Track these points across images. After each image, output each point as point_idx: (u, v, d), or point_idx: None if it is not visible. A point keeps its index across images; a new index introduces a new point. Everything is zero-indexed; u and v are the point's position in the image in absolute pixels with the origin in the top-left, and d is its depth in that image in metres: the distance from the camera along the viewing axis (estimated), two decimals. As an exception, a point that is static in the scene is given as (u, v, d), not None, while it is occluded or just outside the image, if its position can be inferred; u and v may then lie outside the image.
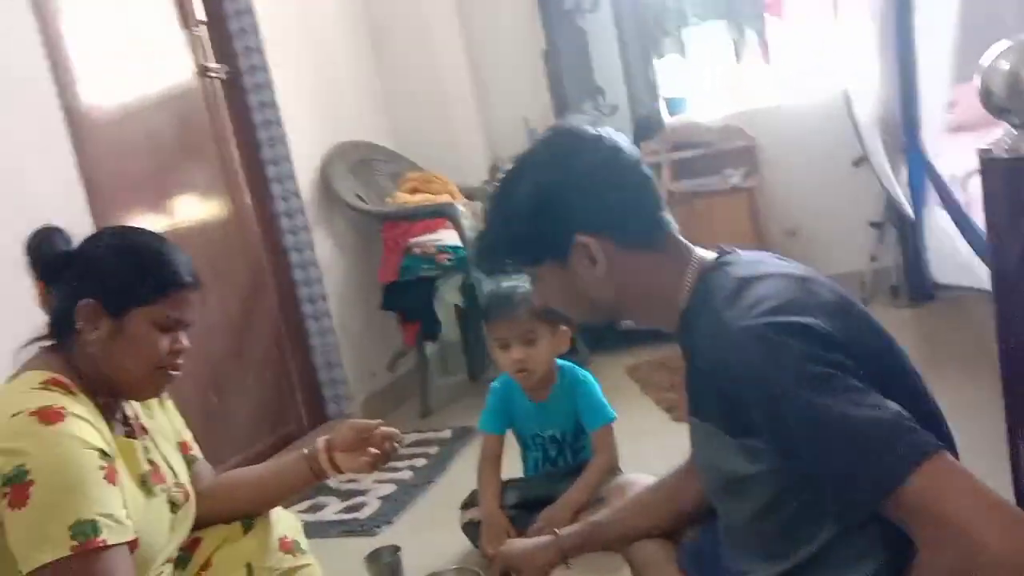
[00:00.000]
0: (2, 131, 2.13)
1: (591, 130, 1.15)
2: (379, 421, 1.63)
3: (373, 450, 1.57)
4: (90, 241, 1.39)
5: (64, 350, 1.35)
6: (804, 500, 1.02)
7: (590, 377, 2.07)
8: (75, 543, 1.16)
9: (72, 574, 1.17)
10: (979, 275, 1.44)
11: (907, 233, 3.35)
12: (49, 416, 1.21)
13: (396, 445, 1.60)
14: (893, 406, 0.90)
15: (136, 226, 1.45)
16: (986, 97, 0.92)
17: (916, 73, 1.76)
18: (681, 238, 1.19)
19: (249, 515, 1.59)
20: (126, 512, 1.26)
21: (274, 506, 1.63)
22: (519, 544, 1.60)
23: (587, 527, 1.57)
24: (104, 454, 1.25)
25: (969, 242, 1.45)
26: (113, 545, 1.20)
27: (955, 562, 0.82)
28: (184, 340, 1.39)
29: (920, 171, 1.77)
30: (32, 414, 1.20)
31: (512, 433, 2.12)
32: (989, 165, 0.91)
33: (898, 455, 0.86)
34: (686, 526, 1.47)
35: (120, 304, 1.32)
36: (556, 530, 1.57)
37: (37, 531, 1.16)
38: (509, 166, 1.21)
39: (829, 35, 3.44)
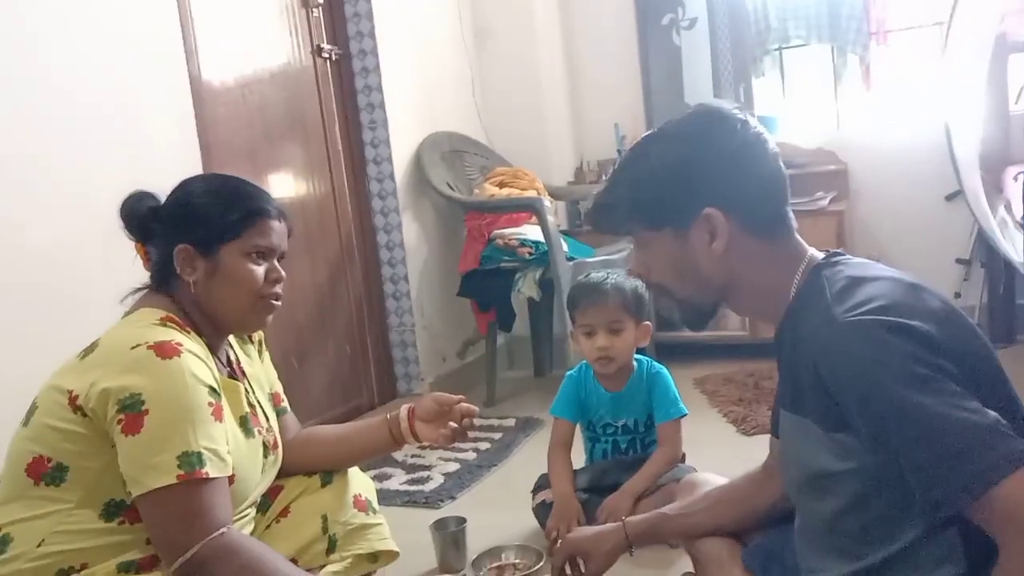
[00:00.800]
0: (134, 92, 2.29)
1: (739, 113, 1.17)
2: (460, 397, 1.69)
3: (452, 424, 1.63)
4: (173, 193, 1.47)
5: (172, 293, 1.43)
6: (888, 501, 1.04)
7: (666, 371, 2.11)
8: (181, 472, 1.24)
9: (175, 500, 1.24)
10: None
11: (995, 272, 3.29)
12: (167, 350, 1.29)
13: (472, 423, 1.65)
14: (992, 413, 0.91)
15: (214, 172, 1.52)
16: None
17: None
18: (799, 238, 1.20)
19: (327, 469, 1.66)
20: (227, 449, 1.34)
21: (352, 464, 1.70)
22: (586, 530, 1.64)
23: (654, 517, 1.58)
24: (213, 391, 1.33)
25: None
26: (215, 478, 1.27)
27: None
28: (280, 269, 1.46)
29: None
30: (151, 347, 1.28)
31: (579, 427, 2.14)
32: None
33: (994, 458, 0.88)
34: (753, 529, 1.49)
35: (211, 242, 1.39)
36: (623, 518, 1.61)
37: (148, 458, 1.24)
38: (650, 131, 1.22)
39: (934, 66, 3.39)
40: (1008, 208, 2.69)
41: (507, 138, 3.78)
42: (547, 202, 3.22)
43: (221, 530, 1.26)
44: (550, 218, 3.11)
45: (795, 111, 3.81)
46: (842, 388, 1.00)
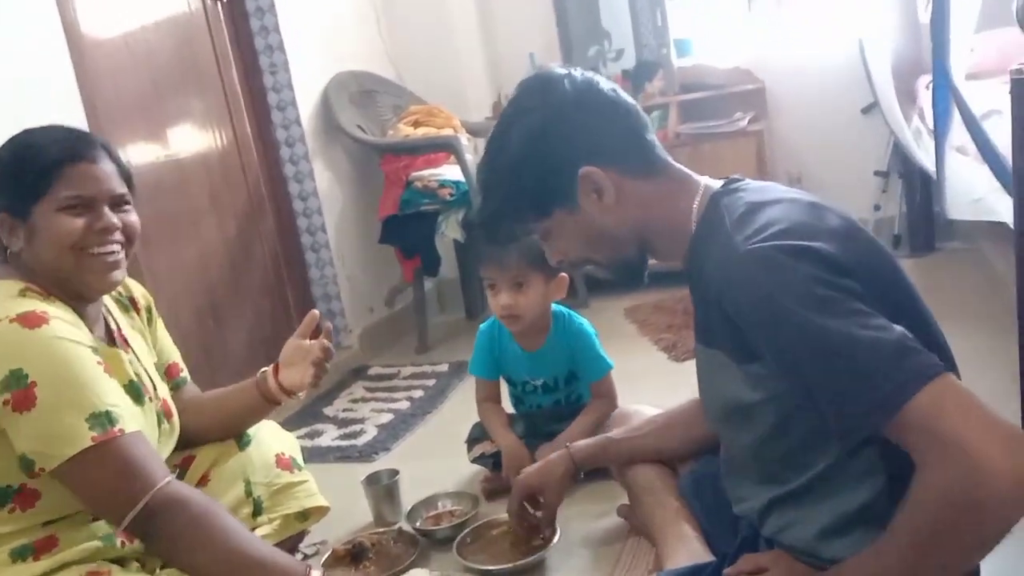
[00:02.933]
0: (2, 49, 2.09)
1: (558, 69, 1.16)
2: (312, 313, 1.61)
3: (313, 356, 1.55)
4: None
5: (18, 265, 1.33)
6: (805, 427, 1.03)
7: (586, 326, 1.99)
8: (95, 434, 1.17)
9: (98, 463, 1.18)
10: (996, 209, 1.43)
11: (912, 183, 3.33)
12: (32, 320, 1.20)
13: (330, 347, 1.58)
14: (898, 329, 0.89)
15: (25, 129, 1.36)
16: (1022, 15, 0.90)
17: (949, 6, 1.73)
18: (685, 169, 1.18)
19: (219, 436, 1.59)
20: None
21: (240, 429, 1.62)
22: (531, 468, 1.64)
23: (599, 440, 1.61)
24: (95, 350, 1.25)
25: (993, 170, 1.44)
26: (131, 432, 1.21)
27: (955, 481, 0.82)
28: (110, 216, 1.31)
29: (946, 102, 1.75)
30: (13, 320, 1.19)
31: (503, 377, 2.07)
32: (1020, 86, 0.89)
33: (903, 375, 0.86)
34: (691, 456, 1.48)
35: (18, 206, 1.28)
36: (568, 444, 1.60)
37: (53, 429, 1.17)
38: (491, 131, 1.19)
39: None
40: (921, 117, 2.70)
41: (419, 75, 3.65)
42: (464, 140, 3.12)
43: (166, 479, 1.21)
44: (468, 156, 3.02)
45: (710, 32, 3.76)
46: (748, 318, 0.98)
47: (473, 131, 3.44)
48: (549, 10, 3.76)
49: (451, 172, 3.12)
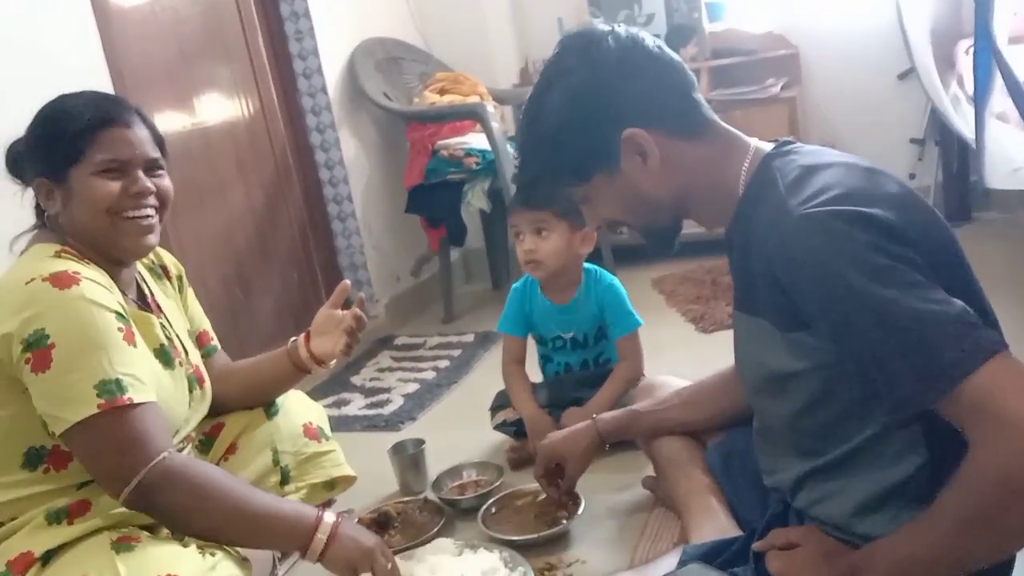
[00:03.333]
0: (29, 15, 2.08)
1: (602, 26, 1.10)
2: (344, 284, 1.63)
3: (345, 327, 1.56)
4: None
5: (58, 231, 1.34)
6: (847, 399, 1.00)
7: (616, 282, 2.01)
8: (102, 401, 1.17)
9: (104, 430, 1.18)
10: (1037, 178, 1.39)
11: (949, 150, 3.25)
12: (64, 280, 1.21)
13: (362, 316, 1.58)
14: (958, 303, 0.86)
15: (63, 94, 1.37)
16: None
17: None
18: (734, 129, 1.13)
19: (248, 404, 1.60)
20: (147, 375, 1.27)
21: (270, 397, 1.63)
22: (557, 434, 1.63)
23: (625, 413, 1.59)
24: (120, 316, 1.25)
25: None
26: (142, 403, 1.21)
27: (1008, 460, 0.80)
28: (144, 180, 1.32)
29: (988, 66, 1.69)
30: (46, 280, 1.20)
31: (532, 337, 2.08)
32: (1070, 47, 0.84)
33: (964, 350, 0.83)
34: (718, 429, 1.46)
35: (57, 171, 1.29)
36: (593, 415, 1.59)
37: (63, 392, 1.18)
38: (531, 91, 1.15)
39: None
40: (960, 83, 2.63)
41: (445, 42, 3.60)
42: (491, 108, 3.08)
43: (162, 455, 1.21)
44: (495, 124, 2.98)
45: (743, -4, 3.67)
46: (800, 285, 0.94)
47: (500, 99, 3.40)
48: (577, -28, 3.69)
49: (477, 140, 3.09)
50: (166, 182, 1.37)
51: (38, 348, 1.17)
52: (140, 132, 1.34)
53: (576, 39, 1.11)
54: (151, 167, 1.35)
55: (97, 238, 1.32)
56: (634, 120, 1.07)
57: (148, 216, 1.34)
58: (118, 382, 1.19)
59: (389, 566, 1.31)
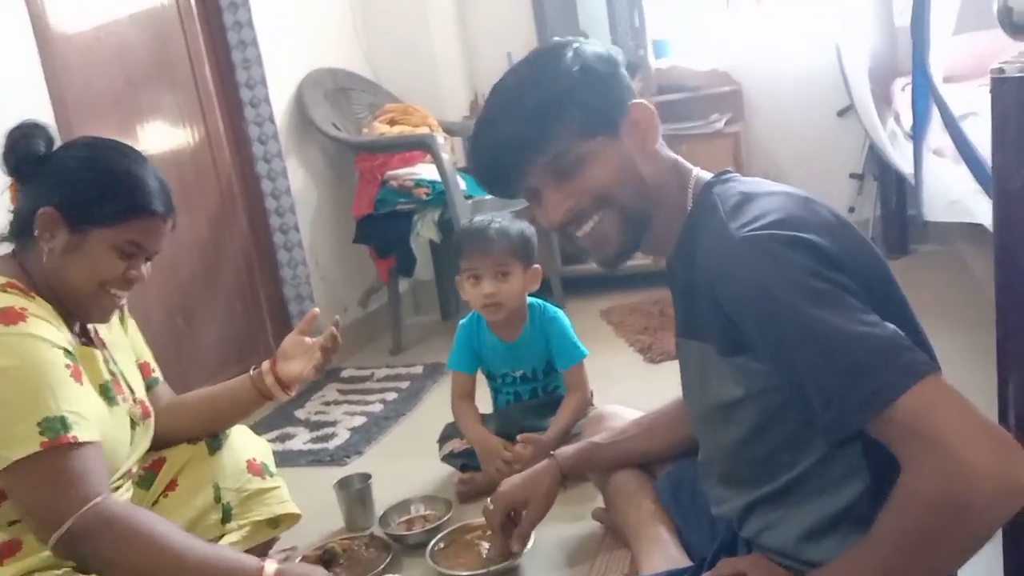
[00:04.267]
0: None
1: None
2: (313, 312, 1.63)
3: (318, 349, 1.57)
4: (66, 148, 1.34)
5: (20, 255, 1.31)
6: (789, 426, 1.02)
7: (560, 315, 2.03)
8: (45, 439, 1.14)
9: (43, 470, 1.15)
10: (973, 211, 1.43)
11: (887, 185, 3.35)
12: (10, 316, 1.18)
13: (336, 335, 1.59)
14: (890, 326, 0.88)
15: (119, 141, 1.38)
16: (1005, 15, 0.89)
17: (929, 6, 1.73)
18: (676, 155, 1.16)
19: (199, 435, 1.57)
20: (92, 414, 1.24)
21: (225, 427, 1.61)
22: (515, 479, 1.56)
23: (585, 447, 1.56)
24: (68, 353, 1.23)
25: (971, 170, 1.44)
26: (85, 442, 1.18)
27: (942, 482, 0.81)
28: (143, 269, 1.34)
29: (925, 102, 1.75)
30: None
31: (481, 372, 2.08)
32: (1001, 85, 0.88)
33: (894, 372, 0.84)
34: (679, 457, 1.46)
35: (81, 219, 1.26)
36: (552, 452, 1.56)
37: (5, 429, 1.14)
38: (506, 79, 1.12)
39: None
40: (897, 119, 2.71)
41: (395, 73, 3.62)
42: (440, 139, 3.09)
43: (95, 500, 1.16)
44: (445, 155, 2.99)
45: (687, 34, 3.76)
46: (740, 305, 0.96)
47: (449, 130, 3.41)
48: (527, 10, 3.74)
49: (427, 171, 3.08)
50: (149, 269, 1.37)
51: None
52: (168, 227, 1.34)
53: (552, 42, 1.13)
54: (151, 256, 1.36)
55: (71, 295, 1.30)
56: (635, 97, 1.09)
57: (124, 297, 1.35)
58: (63, 419, 1.16)
59: None
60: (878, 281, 1.00)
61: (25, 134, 1.30)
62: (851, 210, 3.52)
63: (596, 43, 1.11)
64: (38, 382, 1.16)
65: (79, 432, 1.17)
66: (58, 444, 1.14)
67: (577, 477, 1.60)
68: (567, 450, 1.56)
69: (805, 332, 0.88)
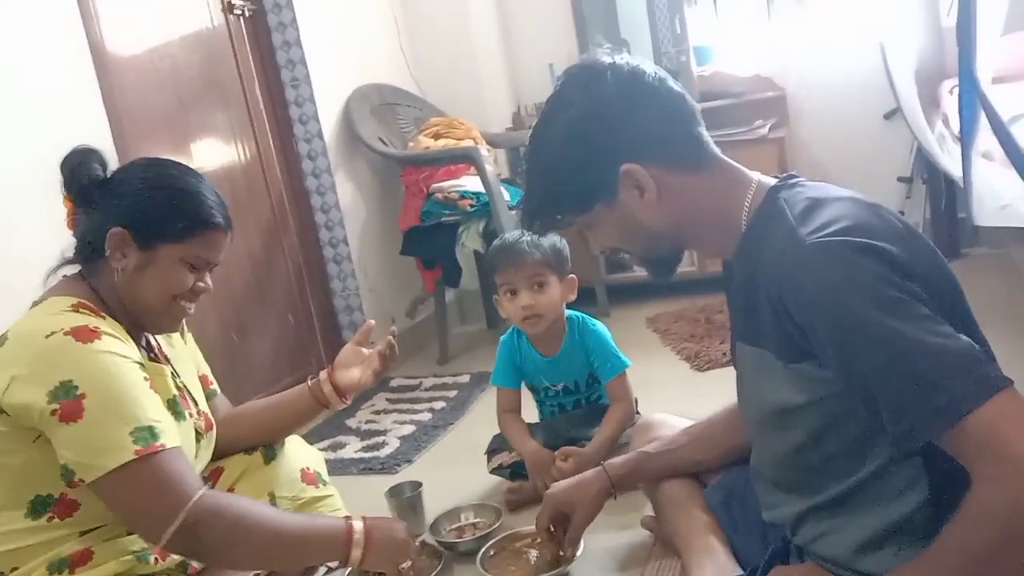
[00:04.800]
0: (32, 67, 2.12)
1: (606, 58, 1.11)
2: (369, 323, 1.73)
3: (379, 351, 1.67)
4: (126, 170, 1.39)
5: (87, 277, 1.36)
6: (849, 435, 1.01)
7: (600, 326, 2.02)
8: (138, 447, 1.20)
9: (140, 476, 1.20)
10: (1023, 214, 1.41)
11: (936, 188, 3.30)
12: (85, 334, 1.23)
13: (393, 344, 1.69)
14: (964, 338, 0.87)
15: (174, 160, 1.44)
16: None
17: (975, 9, 1.71)
18: (737, 164, 1.14)
19: (258, 444, 1.62)
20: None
21: (284, 436, 1.67)
22: (566, 482, 1.58)
23: (635, 457, 1.55)
24: (142, 366, 1.29)
25: (1021, 175, 1.41)
26: (172, 448, 1.24)
27: (1012, 497, 0.80)
28: (208, 280, 1.40)
29: (972, 107, 1.73)
30: (67, 333, 1.22)
31: (525, 385, 2.09)
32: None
33: (969, 385, 0.84)
34: (730, 466, 1.45)
35: (151, 237, 1.32)
36: (602, 462, 1.56)
37: (99, 439, 1.19)
38: (535, 121, 1.17)
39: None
40: (945, 122, 2.67)
41: (440, 87, 3.66)
42: (484, 151, 3.12)
43: (200, 492, 1.24)
44: (488, 167, 3.02)
45: (730, 39, 3.75)
46: (809, 311, 0.94)
47: (493, 142, 3.44)
48: (568, 21, 3.77)
49: (471, 183, 3.12)
50: (211, 280, 1.44)
51: (67, 398, 1.19)
52: (228, 239, 1.40)
53: (578, 72, 1.13)
54: (214, 267, 1.42)
55: (143, 310, 1.36)
56: (632, 154, 1.07)
57: (192, 308, 1.41)
58: (151, 429, 1.22)
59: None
60: (947, 291, 0.98)
61: (82, 160, 1.35)
62: (901, 213, 3.45)
63: (625, 70, 1.09)
64: (123, 394, 1.22)
65: (167, 439, 1.23)
66: (151, 451, 1.20)
67: (629, 487, 1.59)
68: (617, 460, 1.56)
69: (878, 342, 0.88)
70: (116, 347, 1.25)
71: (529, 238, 1.93)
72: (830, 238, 0.94)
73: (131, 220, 1.31)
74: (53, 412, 1.18)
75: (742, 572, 1.27)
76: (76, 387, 1.19)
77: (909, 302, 0.89)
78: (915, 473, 0.98)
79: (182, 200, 1.33)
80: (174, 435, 1.27)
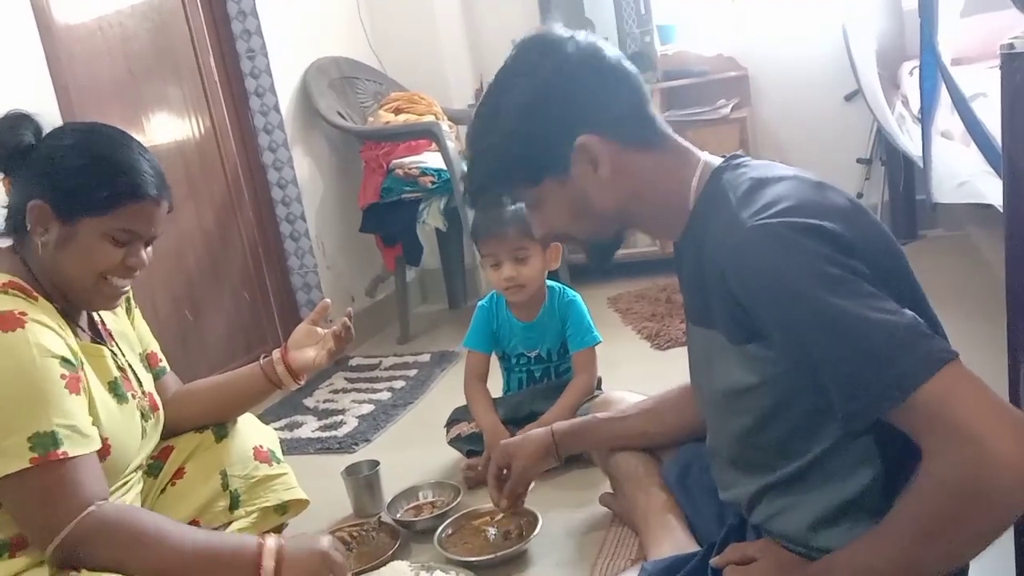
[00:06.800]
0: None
1: (562, 31, 1.08)
2: (325, 302, 1.64)
3: (332, 331, 1.60)
4: (52, 136, 1.29)
5: (20, 250, 1.29)
6: (800, 412, 1.01)
7: (579, 299, 2.05)
8: (35, 455, 1.13)
9: (34, 485, 1.14)
10: (982, 191, 1.42)
11: (895, 169, 3.33)
12: (8, 322, 1.16)
13: (349, 325, 1.61)
14: (909, 313, 0.87)
15: (106, 125, 1.34)
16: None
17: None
18: (682, 140, 1.13)
19: (208, 423, 1.57)
20: (92, 420, 1.23)
21: (235, 415, 1.62)
22: (513, 439, 1.60)
23: (582, 420, 1.57)
24: (66, 361, 1.21)
25: (981, 150, 1.42)
26: (75, 456, 1.17)
27: (963, 469, 0.80)
28: (143, 254, 1.31)
29: (933, 81, 1.74)
30: None
31: (494, 355, 2.09)
32: (1011, 61, 0.87)
33: (915, 360, 0.83)
34: (679, 442, 1.46)
35: (70, 210, 1.23)
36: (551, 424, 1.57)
37: None
38: (486, 91, 1.12)
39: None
40: (905, 103, 2.69)
41: (401, 62, 3.60)
42: (446, 127, 3.08)
43: (89, 509, 1.16)
44: (450, 143, 2.98)
45: (694, 19, 3.74)
46: (753, 295, 0.94)
47: (455, 118, 3.40)
48: (531, -5, 3.72)
49: (433, 160, 3.08)
50: (150, 254, 1.34)
51: None
52: (163, 211, 1.31)
53: (536, 41, 1.09)
54: (150, 241, 1.33)
55: (71, 288, 1.28)
56: (588, 126, 1.05)
57: (127, 285, 1.33)
58: (53, 435, 1.15)
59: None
60: (893, 267, 0.98)
61: (11, 125, 1.26)
62: (859, 195, 3.50)
63: (585, 41, 1.07)
64: (30, 394, 1.15)
65: (69, 447, 1.16)
66: (48, 460, 1.14)
67: (572, 449, 1.59)
68: (564, 423, 1.57)
69: (823, 320, 0.87)
70: (42, 337, 1.18)
71: (513, 209, 1.91)
72: (770, 220, 0.93)
73: (51, 191, 1.23)
74: None
75: (699, 548, 1.27)
76: None
77: (852, 280, 0.88)
78: (867, 450, 0.98)
79: (105, 169, 1.24)
80: (84, 442, 1.19)
